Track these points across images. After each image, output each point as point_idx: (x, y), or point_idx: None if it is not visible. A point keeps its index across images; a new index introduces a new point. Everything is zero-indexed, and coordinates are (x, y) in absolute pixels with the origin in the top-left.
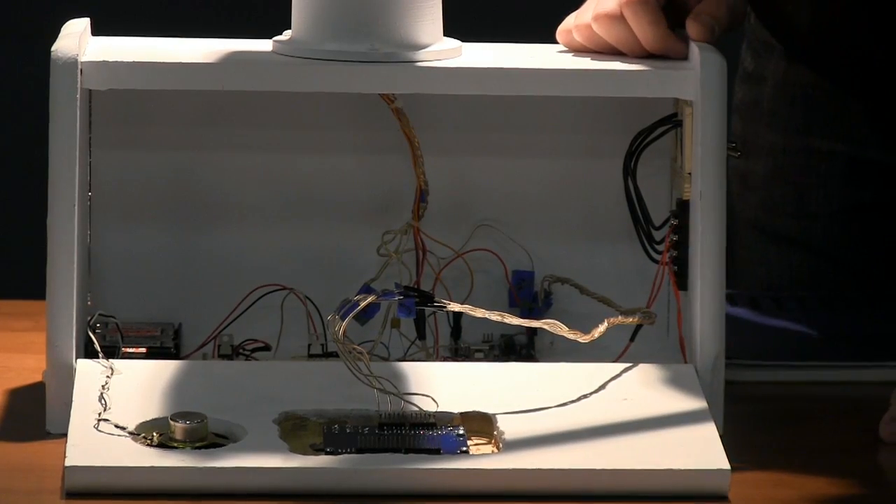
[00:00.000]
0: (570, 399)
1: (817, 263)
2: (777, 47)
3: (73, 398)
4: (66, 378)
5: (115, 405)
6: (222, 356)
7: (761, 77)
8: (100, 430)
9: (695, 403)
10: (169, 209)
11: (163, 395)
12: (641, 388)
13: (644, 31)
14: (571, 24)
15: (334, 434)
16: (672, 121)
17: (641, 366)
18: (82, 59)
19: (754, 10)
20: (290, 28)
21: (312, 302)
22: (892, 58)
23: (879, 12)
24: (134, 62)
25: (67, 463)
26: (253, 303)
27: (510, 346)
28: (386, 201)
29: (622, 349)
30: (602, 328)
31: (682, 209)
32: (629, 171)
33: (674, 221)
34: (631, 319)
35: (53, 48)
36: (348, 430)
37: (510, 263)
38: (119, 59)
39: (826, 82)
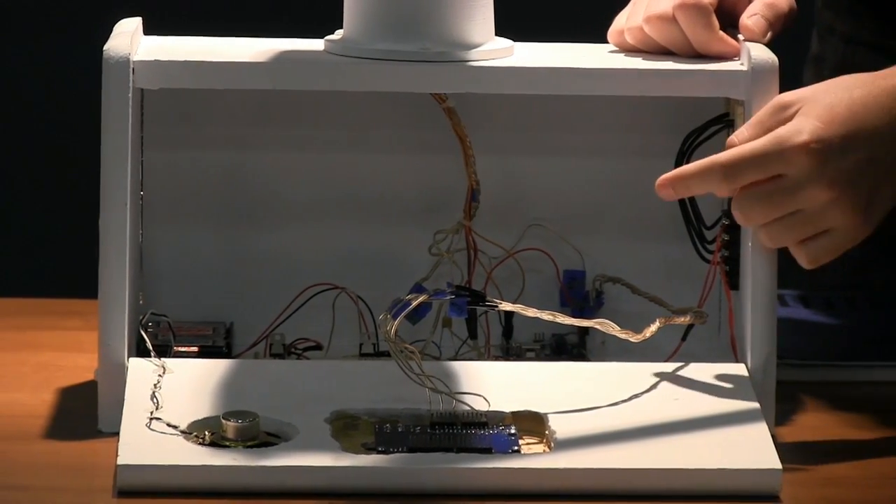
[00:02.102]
0: (622, 398)
1: (868, 259)
2: (837, 30)
3: (126, 397)
4: (119, 377)
5: (167, 404)
6: (274, 355)
7: (822, 59)
8: (152, 429)
9: (746, 403)
10: (220, 208)
11: (214, 393)
12: (693, 388)
13: (696, 33)
14: (623, 25)
15: (386, 433)
16: (723, 120)
17: (693, 365)
18: (134, 58)
19: None
20: (341, 27)
21: (364, 301)
22: None
23: None
24: (186, 61)
25: (119, 461)
26: (305, 302)
27: (561, 345)
28: (437, 201)
29: (673, 349)
30: (653, 328)
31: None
32: None
33: (725, 221)
34: (682, 319)
35: (106, 47)
36: (400, 430)
37: (561, 263)
38: (171, 59)
39: (885, 62)
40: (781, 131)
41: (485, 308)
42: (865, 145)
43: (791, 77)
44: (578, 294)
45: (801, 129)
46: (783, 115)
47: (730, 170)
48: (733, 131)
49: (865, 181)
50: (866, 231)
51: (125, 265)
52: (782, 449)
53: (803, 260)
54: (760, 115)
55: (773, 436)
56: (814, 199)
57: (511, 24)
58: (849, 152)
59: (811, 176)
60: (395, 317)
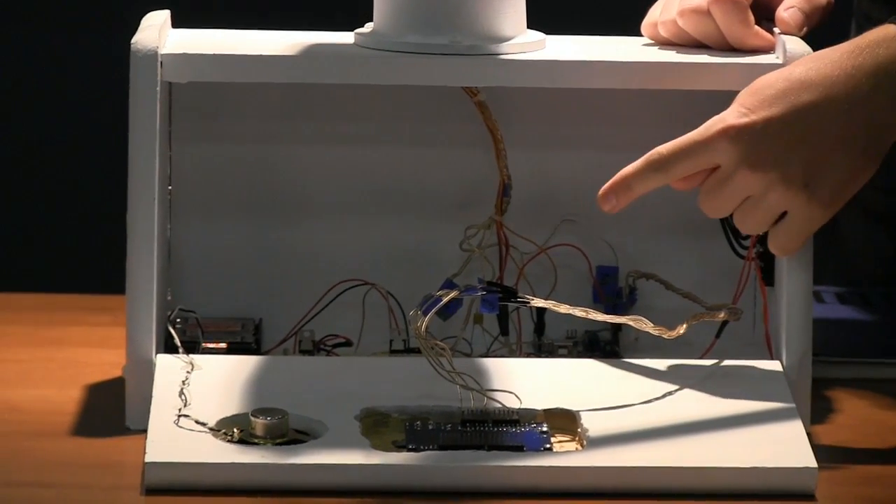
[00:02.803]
0: (655, 396)
1: None
2: (874, 18)
3: (153, 393)
4: (146, 373)
5: (196, 401)
6: (303, 352)
7: None
8: (180, 426)
9: (781, 401)
10: (249, 203)
11: (243, 390)
12: (727, 385)
13: (732, 28)
14: (657, 18)
15: (416, 430)
16: None
17: (727, 362)
18: (162, 51)
19: None
20: (371, 20)
21: (394, 297)
22: None
23: None
24: (214, 55)
25: (147, 459)
26: (334, 298)
27: (594, 342)
28: (468, 196)
29: (708, 346)
30: (687, 324)
31: None
32: None
33: None
34: (716, 316)
35: (133, 40)
36: (430, 427)
37: (594, 259)
38: (199, 52)
39: None
40: (709, 121)
41: (516, 304)
42: (796, 123)
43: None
44: (611, 290)
45: (724, 116)
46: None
47: (662, 162)
48: None
49: (798, 159)
50: (822, 210)
51: (153, 261)
52: (818, 447)
53: (773, 247)
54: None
55: (808, 434)
56: (750, 185)
57: (543, 16)
58: (773, 133)
59: (738, 161)
60: (425, 313)
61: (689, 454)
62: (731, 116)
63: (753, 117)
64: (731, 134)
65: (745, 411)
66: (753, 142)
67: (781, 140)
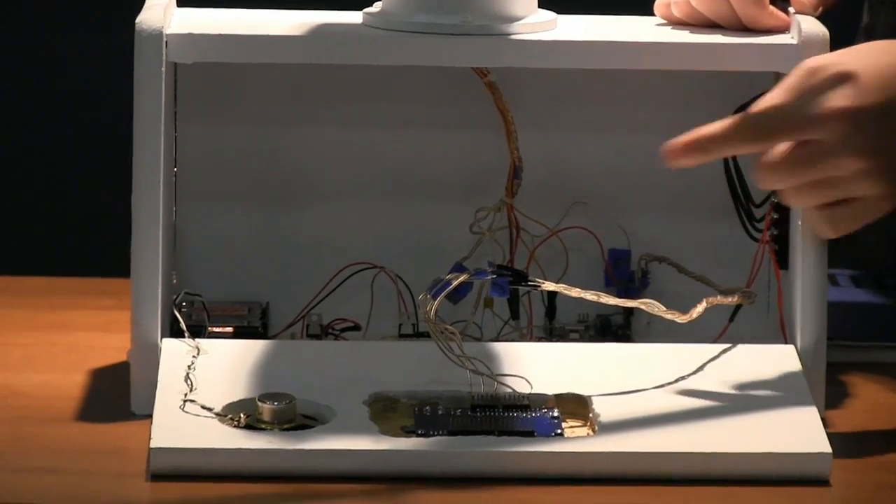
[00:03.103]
0: (667, 381)
1: None
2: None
3: (159, 378)
4: (151, 358)
5: (202, 385)
6: (311, 336)
7: (873, 29)
8: (186, 411)
9: (795, 385)
10: (256, 186)
11: (250, 375)
12: (740, 370)
13: (745, 8)
14: None
15: (425, 416)
16: None
17: (741, 347)
18: (167, 31)
19: None
20: (380, 0)
21: (403, 281)
22: None
23: None
24: (220, 34)
25: (153, 444)
26: (342, 282)
27: (606, 326)
28: (479, 178)
29: (721, 330)
30: (700, 308)
31: None
32: None
33: (774, 198)
34: (730, 299)
35: (138, 20)
36: (440, 412)
37: (606, 242)
38: (205, 32)
39: None
40: (817, 95)
41: (527, 288)
42: None
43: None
44: (623, 274)
45: (838, 93)
46: (815, 80)
47: (761, 126)
48: None
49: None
50: (893, 203)
51: (158, 244)
52: (833, 432)
53: (824, 227)
54: (791, 80)
55: (823, 419)
56: (845, 167)
57: None
58: (884, 121)
59: (845, 143)
60: (434, 297)
61: (702, 439)
62: (846, 95)
63: (869, 101)
64: (847, 115)
65: (758, 396)
66: (867, 127)
67: (890, 128)
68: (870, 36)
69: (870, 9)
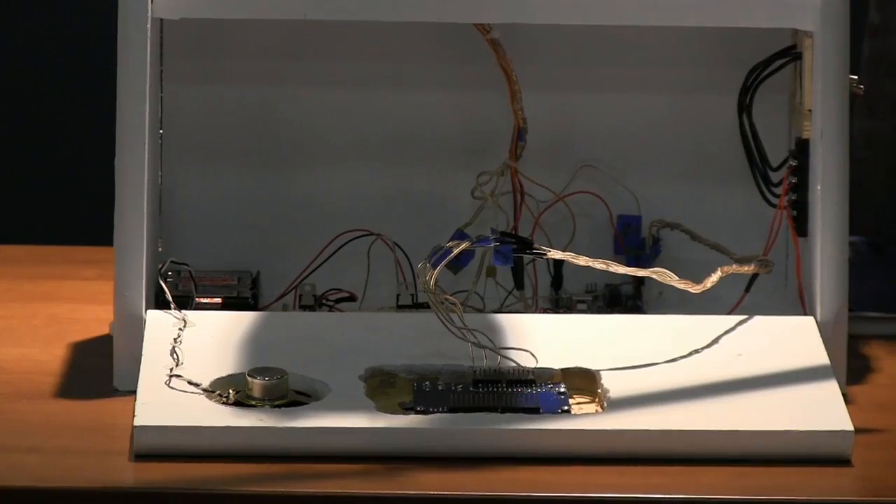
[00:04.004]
0: (680, 354)
1: None
2: None
3: (143, 352)
4: (135, 330)
5: (188, 360)
6: (304, 307)
7: (888, 28)
8: (171, 387)
9: (815, 359)
10: (246, 148)
11: (239, 349)
12: (757, 343)
13: None
14: None
15: (425, 392)
16: (791, 53)
17: (757, 318)
18: None
19: None
20: None
21: (401, 248)
22: None
23: None
24: None
25: (136, 422)
26: (337, 249)
27: (615, 296)
28: (481, 140)
29: (736, 300)
30: (715, 277)
31: (801, 149)
32: (744, 108)
33: (792, 162)
34: (746, 268)
35: None
36: (440, 388)
37: (615, 207)
38: None
39: None
40: None
41: (532, 256)
42: None
43: (863, 7)
44: (634, 241)
45: None
46: None
47: None
48: (801, 65)
49: None
50: None
51: (143, 210)
52: (854, 409)
53: None
54: None
55: (844, 395)
56: None
57: None
58: None
59: None
60: (434, 265)
61: (717, 417)
62: None
63: None
64: None
65: (776, 370)
66: None
67: None
68: (885, 37)
69: (879, 6)
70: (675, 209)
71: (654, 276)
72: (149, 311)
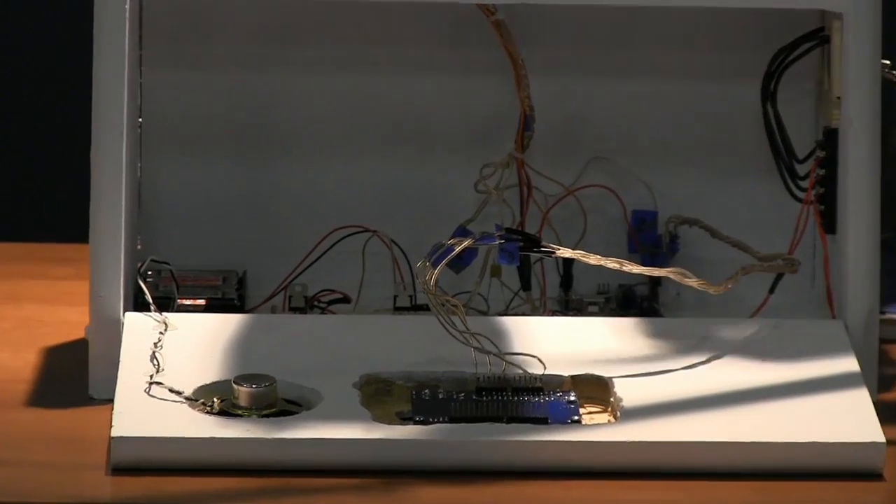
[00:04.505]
0: (699, 360)
1: None
2: None
3: (121, 358)
4: (113, 334)
5: (170, 366)
6: (294, 309)
7: None
8: (151, 395)
9: (844, 366)
10: (232, 138)
11: (225, 354)
12: (782, 348)
13: None
14: None
15: (424, 400)
16: (818, 36)
17: (782, 321)
18: None
19: None
20: None
21: (399, 246)
22: None
23: None
24: None
25: (114, 433)
26: (330, 247)
27: (629, 298)
28: (485, 129)
29: (760, 302)
30: (736, 278)
31: (829, 139)
32: (768, 95)
33: (820, 153)
34: (770, 267)
35: None
36: (440, 396)
37: (629, 202)
38: None
39: None
40: None
41: (540, 254)
42: None
43: None
44: (649, 238)
45: None
46: None
47: None
48: (829, 48)
49: None
50: None
51: (121, 204)
52: (886, 419)
53: None
54: None
55: (875, 404)
56: None
57: None
58: None
59: None
60: (435, 264)
61: (738, 427)
62: None
63: None
64: None
65: (802, 378)
66: None
67: None
68: None
69: None
70: (693, 204)
71: (672, 277)
72: (127, 314)
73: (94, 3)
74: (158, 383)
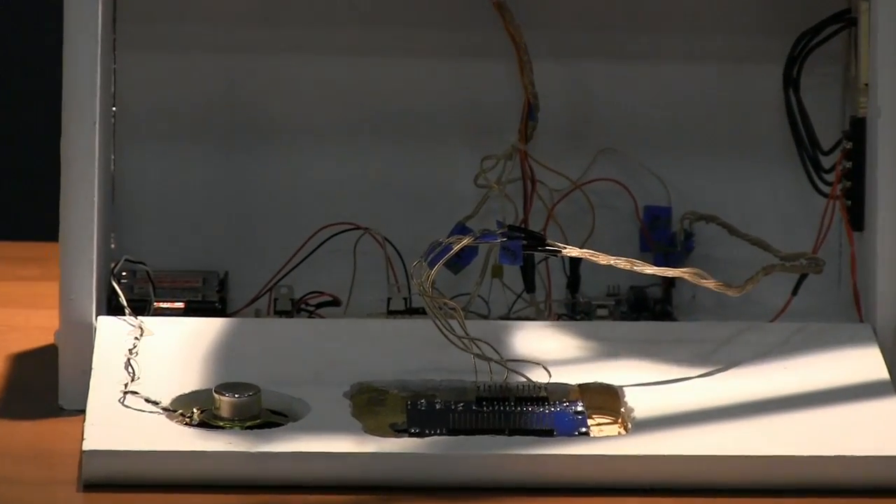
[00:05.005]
0: (716, 368)
1: None
2: None
3: (93, 365)
4: (84, 340)
5: (146, 374)
6: (279, 313)
7: None
8: (126, 406)
9: (873, 373)
10: (214, 128)
11: (205, 361)
12: (806, 354)
13: None
14: None
15: (420, 411)
16: (844, 18)
17: (806, 325)
18: None
19: None
20: None
21: (393, 245)
22: None
23: None
24: None
25: (85, 446)
26: (318, 246)
27: (641, 300)
28: (485, 118)
29: (782, 305)
30: (757, 278)
31: (856, 129)
32: (791, 82)
33: (847, 145)
34: (793, 267)
35: None
36: (437, 407)
37: (641, 197)
38: None
39: None
40: None
41: (545, 254)
42: None
43: None
44: (663, 236)
45: None
46: None
47: None
48: (857, 32)
49: None
50: None
51: (93, 199)
52: None
53: None
54: None
55: None
56: None
57: None
58: None
59: None
60: (431, 264)
61: (758, 440)
62: None
63: None
64: None
65: (827, 386)
66: None
67: None
68: None
69: None
70: (710, 199)
71: (687, 277)
72: (99, 318)
73: None
74: (133, 393)
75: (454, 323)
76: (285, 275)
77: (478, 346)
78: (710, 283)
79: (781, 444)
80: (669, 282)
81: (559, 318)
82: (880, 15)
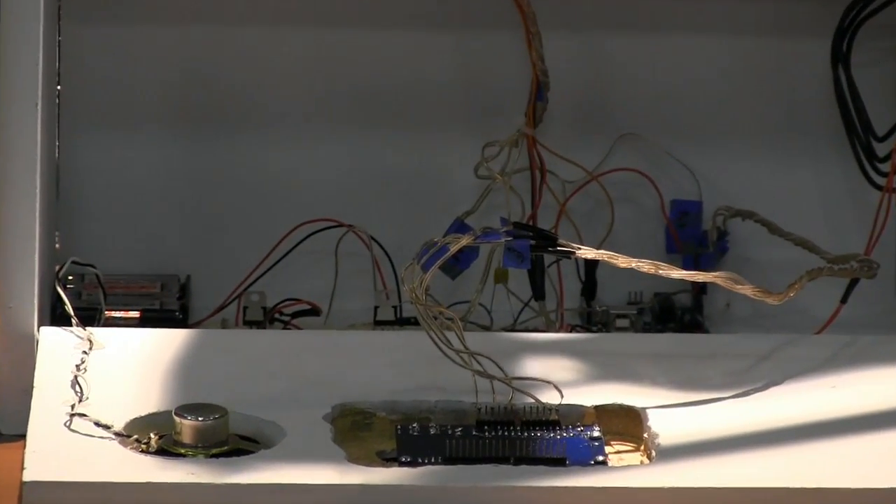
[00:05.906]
0: (753, 387)
1: None
2: None
3: (35, 383)
4: (25, 354)
5: (96, 394)
6: (249, 323)
7: None
8: (73, 430)
9: None
10: (173, 112)
11: (164, 379)
12: (856, 371)
13: None
14: None
15: (412, 437)
16: None
17: (857, 338)
18: None
19: None
20: None
21: (380, 245)
22: None
23: None
24: None
25: (26, 477)
26: (294, 246)
27: (668, 309)
28: (488, 99)
29: (829, 314)
30: (800, 284)
31: None
32: (840, 58)
33: None
34: (843, 271)
35: None
36: (432, 432)
37: (667, 190)
38: None
39: None
40: None
41: (556, 255)
42: None
43: None
44: (692, 235)
45: None
46: None
47: None
48: None
49: None
50: None
51: (34, 192)
52: None
53: None
54: None
55: None
56: None
57: None
58: None
59: None
60: (426, 268)
61: (800, 470)
62: None
63: None
64: None
65: (879, 409)
66: None
67: None
68: None
69: None
70: (746, 192)
71: (720, 283)
72: (42, 329)
73: None
74: (81, 415)
75: (451, 335)
76: (256, 279)
77: (478, 362)
78: (746, 290)
79: (826, 476)
80: (700, 288)
81: (572, 329)
82: None
